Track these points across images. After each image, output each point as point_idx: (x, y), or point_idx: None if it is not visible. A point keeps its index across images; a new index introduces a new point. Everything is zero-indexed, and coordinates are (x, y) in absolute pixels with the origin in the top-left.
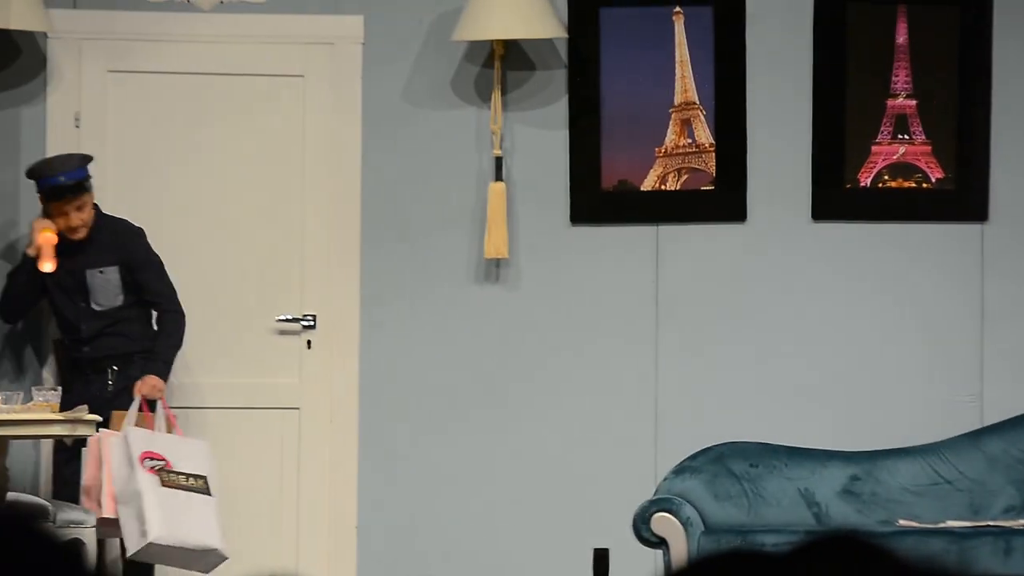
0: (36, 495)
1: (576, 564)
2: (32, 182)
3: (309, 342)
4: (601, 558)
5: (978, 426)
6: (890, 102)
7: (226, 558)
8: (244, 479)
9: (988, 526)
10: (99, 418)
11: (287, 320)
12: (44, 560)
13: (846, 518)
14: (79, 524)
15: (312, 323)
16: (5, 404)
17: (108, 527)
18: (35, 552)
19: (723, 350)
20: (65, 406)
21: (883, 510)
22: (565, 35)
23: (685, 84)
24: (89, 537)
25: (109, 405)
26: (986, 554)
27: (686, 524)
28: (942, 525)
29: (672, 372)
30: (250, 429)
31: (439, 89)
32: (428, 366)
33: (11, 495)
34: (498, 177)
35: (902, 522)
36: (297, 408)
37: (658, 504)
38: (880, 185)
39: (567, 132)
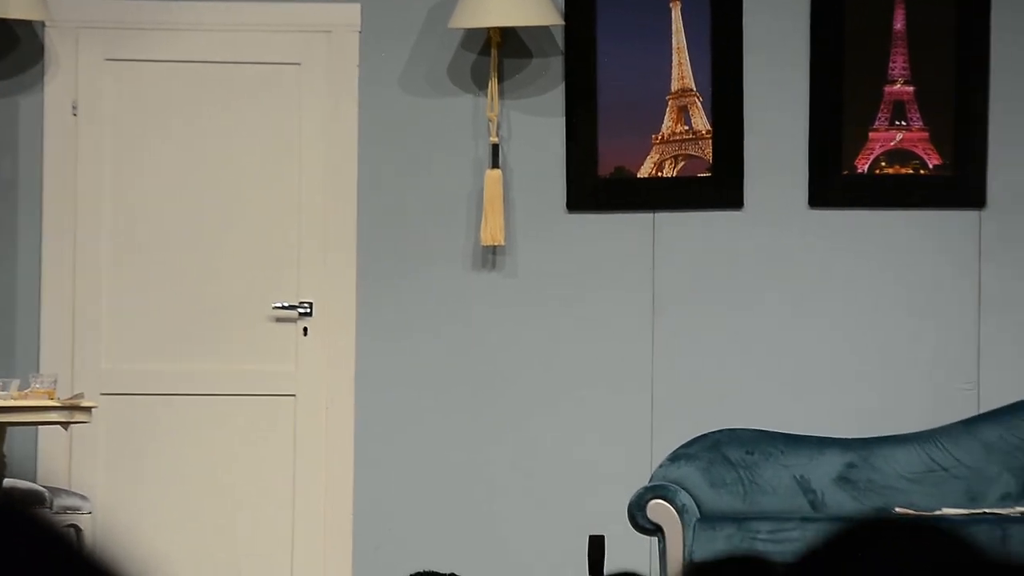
0: (33, 482)
1: (572, 550)
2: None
3: (305, 329)
4: (596, 544)
5: (975, 413)
6: (888, 88)
7: None
8: (238, 466)
9: (984, 513)
10: (96, 404)
11: (283, 307)
12: (40, 547)
13: (842, 505)
14: (76, 511)
15: (308, 310)
16: (2, 391)
17: None
18: (31, 539)
19: (720, 337)
20: None
21: (879, 497)
22: (562, 22)
23: (682, 71)
24: (87, 523)
25: None
26: (982, 542)
27: (681, 511)
28: (938, 512)
29: (669, 359)
30: (246, 416)
31: (436, 77)
32: (424, 353)
33: (8, 481)
34: (495, 164)
35: (898, 510)
36: (293, 395)
37: (654, 491)
38: (877, 171)
39: (563, 119)
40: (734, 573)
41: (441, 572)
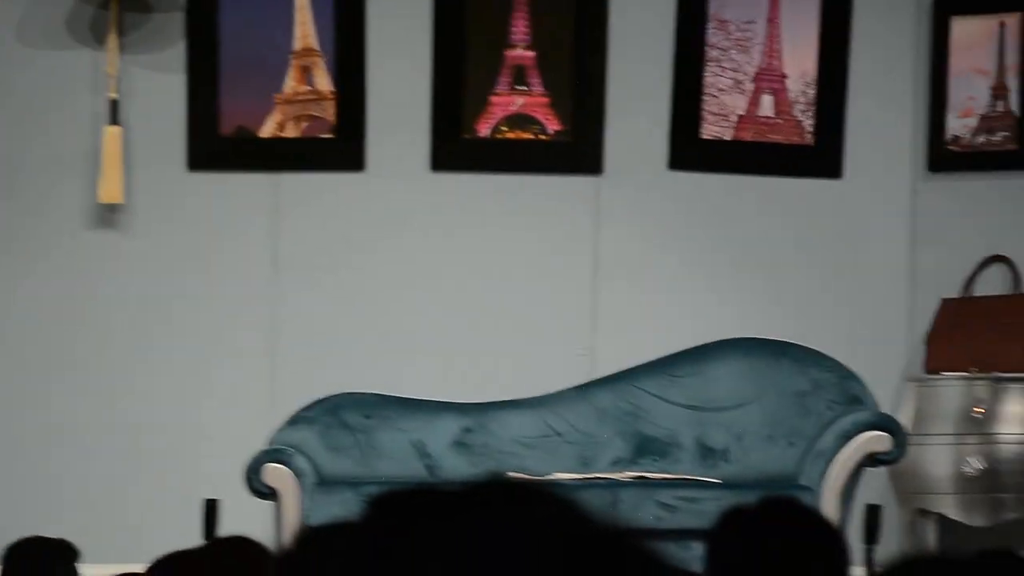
0: None
1: (189, 515)
2: None
3: None
4: (211, 508)
5: (589, 379)
6: (508, 53)
7: None
8: None
9: (596, 478)
10: None
11: None
12: None
13: (458, 470)
14: None
15: None
16: None
17: None
18: None
19: (341, 299)
20: None
21: (494, 462)
22: None
23: (305, 30)
24: None
25: None
26: (594, 506)
27: (298, 475)
28: (551, 477)
29: (290, 321)
30: None
31: (54, 30)
32: (41, 313)
33: None
34: (114, 121)
35: (512, 475)
36: None
37: (270, 455)
38: (498, 136)
39: (184, 76)
40: (349, 537)
41: (51, 538)
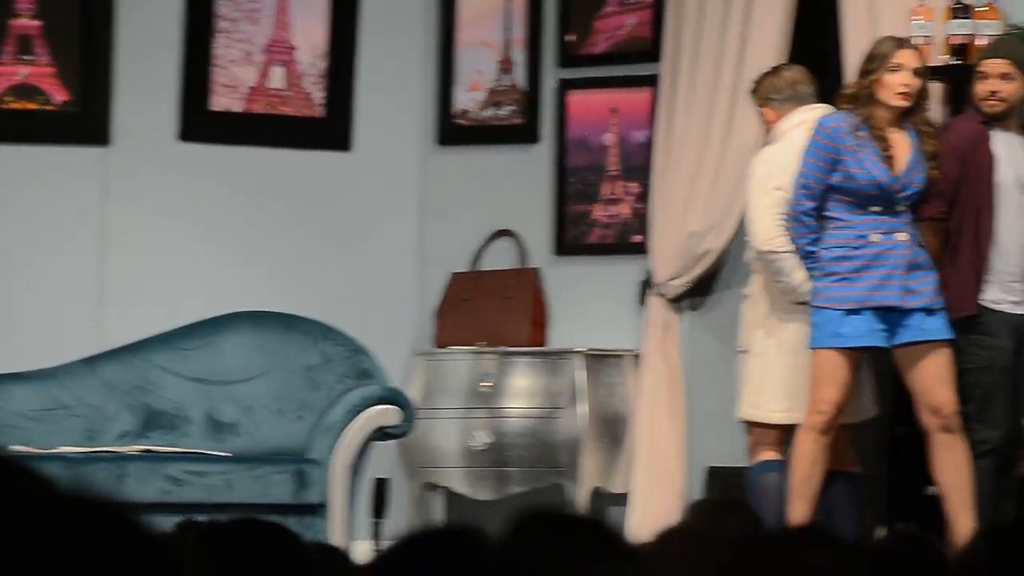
0: None
1: None
2: None
3: None
4: None
5: (97, 352)
6: (13, 22)
7: None
8: None
9: (102, 452)
10: None
11: None
12: None
13: None
14: None
15: None
16: None
17: None
18: None
19: None
20: None
21: None
22: None
23: None
24: None
25: None
26: (101, 479)
27: None
28: (56, 451)
29: None
30: None
31: None
32: None
33: None
34: None
35: (16, 448)
36: None
37: None
38: (2, 106)
39: None
40: None
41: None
